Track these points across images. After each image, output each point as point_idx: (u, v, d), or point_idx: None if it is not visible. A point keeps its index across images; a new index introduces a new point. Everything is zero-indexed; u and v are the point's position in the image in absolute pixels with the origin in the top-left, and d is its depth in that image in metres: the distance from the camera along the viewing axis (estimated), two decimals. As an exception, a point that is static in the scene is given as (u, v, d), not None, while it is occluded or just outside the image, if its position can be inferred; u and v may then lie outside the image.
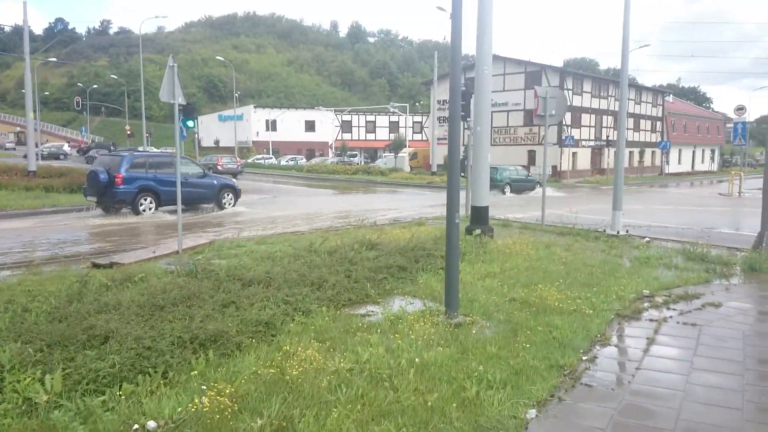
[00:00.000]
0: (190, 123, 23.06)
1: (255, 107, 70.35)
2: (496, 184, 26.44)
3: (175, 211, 19.05)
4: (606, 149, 47.37)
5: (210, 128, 75.47)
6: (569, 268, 8.77)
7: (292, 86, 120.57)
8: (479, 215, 12.05)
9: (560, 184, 41.36)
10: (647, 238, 12.28)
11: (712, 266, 9.31)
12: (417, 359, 4.75)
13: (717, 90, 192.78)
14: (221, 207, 18.81)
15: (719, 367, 4.90)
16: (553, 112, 13.61)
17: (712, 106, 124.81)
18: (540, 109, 13.39)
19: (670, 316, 6.35)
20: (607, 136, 49.03)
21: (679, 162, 63.56)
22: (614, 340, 5.56)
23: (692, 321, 6.15)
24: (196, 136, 78.56)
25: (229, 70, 69.90)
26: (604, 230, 13.12)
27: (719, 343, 5.52)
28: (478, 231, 11.39)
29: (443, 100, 53.93)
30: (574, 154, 47.78)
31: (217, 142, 70.87)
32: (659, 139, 55.95)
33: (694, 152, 68.25)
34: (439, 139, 53.22)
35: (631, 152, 54.72)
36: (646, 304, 6.86)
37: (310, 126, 71.04)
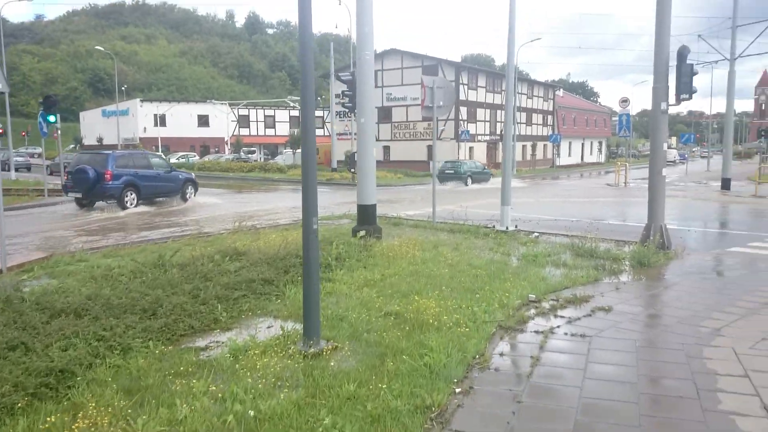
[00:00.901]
0: (52, 118, 20.78)
1: (141, 101, 65.93)
2: (459, 176, 33.27)
3: (151, 203, 19.69)
4: (500, 143, 48.42)
5: (94, 125, 70.06)
6: (454, 271, 8.06)
7: (184, 79, 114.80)
8: (366, 215, 11.17)
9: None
10: (536, 234, 11.93)
11: (602, 262, 8.97)
12: (251, 411, 3.72)
13: (604, 85, 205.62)
14: (185, 199, 20.46)
15: (612, 393, 4.23)
16: (441, 103, 12.99)
17: (599, 100, 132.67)
18: (427, 99, 12.71)
19: (558, 326, 5.71)
20: (501, 131, 50.06)
21: (570, 154, 66.55)
22: (494, 362, 4.78)
23: (581, 331, 5.53)
24: (79, 132, 72.64)
25: (115, 62, 65.00)
26: (494, 226, 12.68)
27: (611, 358, 4.90)
28: (362, 232, 10.50)
29: (342, 92, 53.00)
30: (470, 148, 48.47)
31: (100, 139, 65.80)
32: (550, 133, 58.15)
33: (583, 144, 71.75)
34: (339, 134, 52.26)
35: (524, 146, 56.47)
36: (532, 311, 6.22)
37: (203, 121, 67.64)
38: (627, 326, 5.74)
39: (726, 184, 26.49)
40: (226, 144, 67.61)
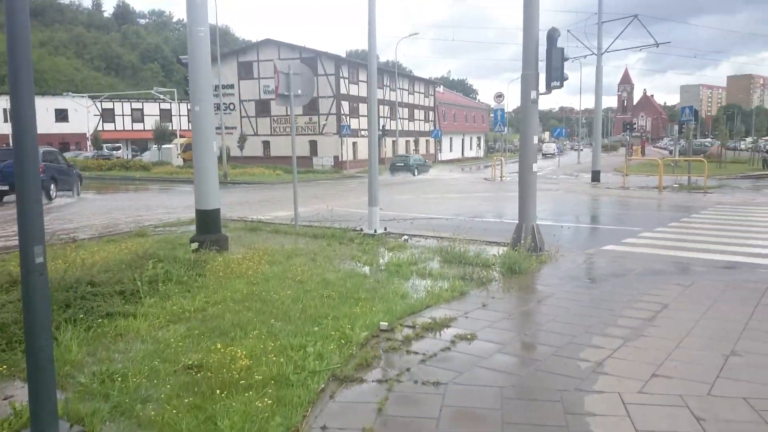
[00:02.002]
0: None
1: (-12, 94, 58.44)
2: (408, 168, 38.90)
3: (64, 195, 21.23)
4: (384, 139, 47.74)
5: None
6: (301, 292, 6.62)
7: (44, 71, 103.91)
8: (206, 222, 9.42)
9: (341, 174, 40.36)
10: (405, 237, 10.78)
11: (471, 270, 7.93)
12: None
13: (482, 83, 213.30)
14: (78, 194, 22.14)
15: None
16: (299, 91, 11.46)
17: (478, 97, 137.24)
18: (281, 87, 11.13)
19: (408, 369, 4.42)
20: (383, 126, 49.45)
21: (451, 149, 67.64)
22: (311, 446, 3.38)
23: (435, 376, 4.28)
24: None
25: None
26: (361, 229, 11.40)
27: (468, 420, 3.66)
28: (194, 245, 8.76)
29: (221, 85, 49.85)
30: (354, 143, 47.40)
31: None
32: (432, 128, 58.56)
33: (463, 140, 73.32)
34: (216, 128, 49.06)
35: (407, 141, 56.40)
36: (381, 347, 4.90)
37: (62, 116, 61.19)
38: (492, 364, 4.56)
39: (596, 177, 27.25)
40: (89, 140, 61.66)
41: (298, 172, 40.94)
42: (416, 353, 4.78)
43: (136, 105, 68.30)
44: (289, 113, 46.45)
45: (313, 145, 45.88)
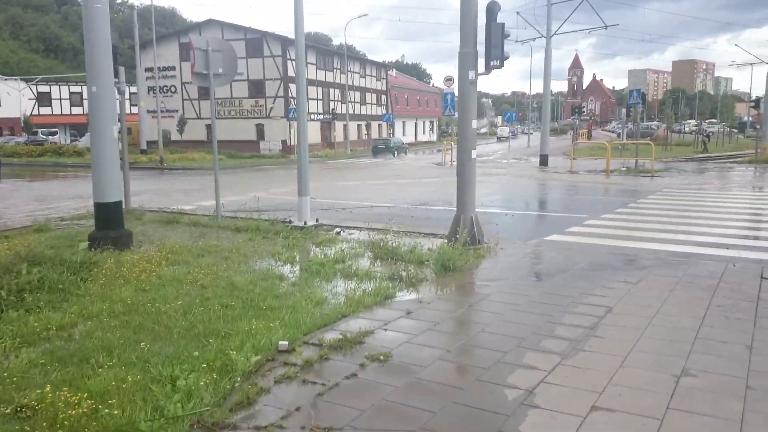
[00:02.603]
0: None
1: None
2: (389, 150, 42.76)
3: None
4: (334, 123, 46.53)
5: None
6: (198, 300, 5.69)
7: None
8: (106, 216, 8.32)
9: (289, 159, 39.06)
10: (338, 229, 9.91)
11: (403, 267, 7.15)
12: None
13: (436, 67, 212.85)
14: None
15: None
16: (221, 70, 10.37)
17: (432, 81, 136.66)
18: (198, 65, 10.01)
19: (297, 408, 3.57)
20: (333, 109, 48.31)
21: (404, 133, 66.76)
22: None
23: (330, 418, 3.44)
24: None
25: None
26: (291, 221, 10.48)
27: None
28: (84, 244, 7.68)
29: (161, 67, 47.61)
30: (303, 127, 45.96)
31: None
32: (384, 112, 57.57)
33: (416, 124, 72.64)
34: (150, 111, 47.01)
35: (358, 125, 55.34)
36: (272, 376, 4.04)
37: (-8, 99, 57.57)
38: (402, 397, 3.76)
39: (544, 161, 26.94)
40: (22, 125, 58.19)
41: (243, 156, 39.38)
42: (315, 383, 3.94)
43: (75, 89, 64.80)
44: (232, 95, 44.87)
45: (260, 129, 44.32)
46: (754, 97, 38.13)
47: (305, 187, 10.26)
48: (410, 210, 13.25)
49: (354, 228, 10.16)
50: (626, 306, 5.62)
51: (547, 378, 3.95)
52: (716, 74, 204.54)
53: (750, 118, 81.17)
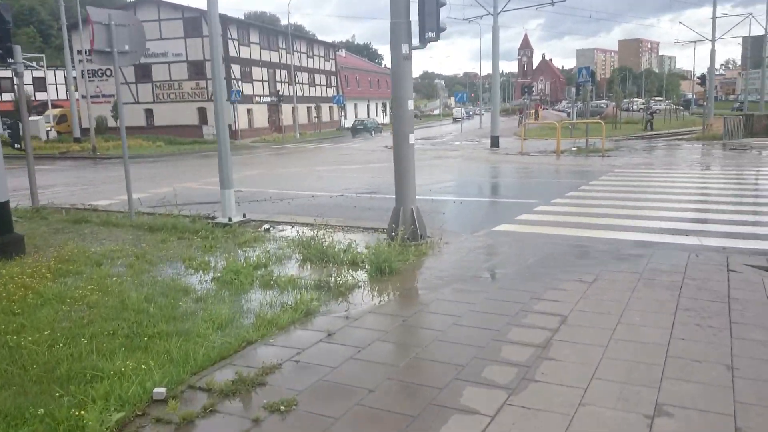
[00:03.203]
0: None
1: None
2: (367, 130, 47.74)
3: None
4: (280, 105, 44.94)
5: None
6: (74, 326, 4.64)
7: None
8: (-13, 220, 7.08)
9: (233, 144, 37.45)
10: (267, 226, 8.89)
11: (335, 271, 6.24)
12: None
13: (388, 48, 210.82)
14: None
15: None
16: (127, 47, 9.12)
17: (383, 62, 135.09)
18: (98, 41, 8.74)
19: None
20: (279, 91, 46.66)
21: (356, 116, 65.47)
22: None
23: None
24: None
25: None
26: (214, 217, 9.40)
27: None
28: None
29: (88, 50, 44.90)
30: (249, 110, 44.34)
31: None
32: (334, 94, 56.15)
33: (368, 106, 71.45)
34: (85, 96, 44.40)
35: (308, 108, 53.84)
36: (138, 442, 3.06)
37: None
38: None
39: (495, 142, 26.37)
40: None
41: (185, 142, 37.43)
42: (186, 453, 2.98)
43: (5, 73, 60.77)
44: (171, 77, 42.67)
45: (203, 113, 42.38)
46: (699, 74, 38.52)
47: (228, 178, 9.17)
48: (354, 199, 12.32)
49: (286, 223, 9.16)
50: (582, 314, 4.85)
51: (489, 430, 3.11)
52: (660, 53, 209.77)
53: (694, 96, 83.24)
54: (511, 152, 23.67)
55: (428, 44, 7.27)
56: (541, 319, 4.76)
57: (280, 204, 11.98)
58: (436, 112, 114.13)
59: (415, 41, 7.27)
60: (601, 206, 10.46)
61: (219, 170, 9.24)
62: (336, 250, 6.93)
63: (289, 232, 8.50)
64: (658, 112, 53.42)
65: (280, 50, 48.36)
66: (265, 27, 51.21)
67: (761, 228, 8.49)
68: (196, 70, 42.41)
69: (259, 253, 7.13)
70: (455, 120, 64.76)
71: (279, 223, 9.18)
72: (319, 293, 5.58)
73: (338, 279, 5.91)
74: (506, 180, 16.13)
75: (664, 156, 20.91)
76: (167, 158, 27.63)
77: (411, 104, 7.42)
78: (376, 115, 73.39)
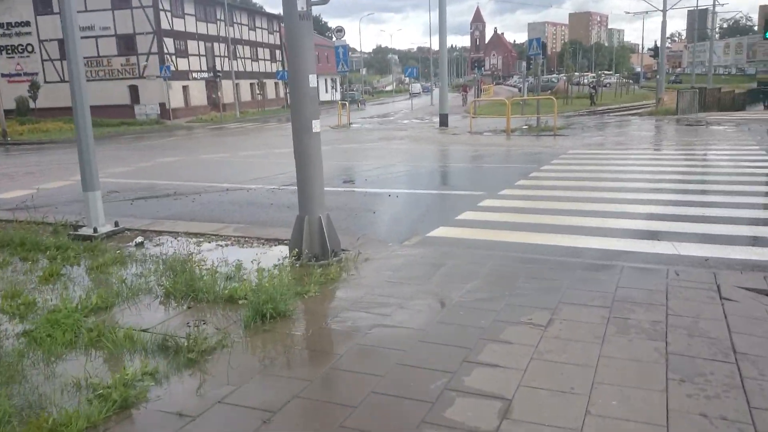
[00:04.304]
0: None
1: None
2: (355, 101, 50.01)
3: None
4: (219, 81, 42.22)
5: None
6: None
7: None
8: None
9: (163, 125, 34.75)
10: (140, 239, 7.02)
11: (204, 313, 4.53)
12: None
13: (339, 22, 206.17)
14: None
15: None
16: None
17: (334, 37, 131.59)
18: None
19: None
20: (215, 66, 43.81)
21: (303, 92, 62.79)
22: None
23: None
24: None
25: None
26: (79, 226, 7.49)
27: None
28: None
29: (13, 23, 41.03)
30: (185, 87, 41.49)
31: None
32: (279, 69, 53.48)
33: (317, 81, 68.72)
34: (5, 75, 40.82)
35: (251, 84, 51.14)
36: None
37: None
38: None
39: (444, 120, 24.81)
40: None
41: (112, 124, 34.59)
42: None
43: None
44: (99, 53, 39.36)
45: (134, 91, 39.39)
46: (651, 46, 37.71)
47: (93, 178, 7.22)
48: (274, 194, 10.54)
49: (169, 233, 7.32)
50: (534, 394, 3.28)
51: None
52: (609, 26, 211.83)
53: (643, 69, 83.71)
54: (459, 132, 22.16)
55: None
56: (473, 406, 3.17)
57: (181, 202, 10.11)
58: (388, 88, 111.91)
59: (314, -4, 5.49)
60: (554, 199, 9.00)
61: (80, 168, 7.26)
62: (213, 278, 5.19)
63: (168, 246, 6.68)
64: (607, 86, 52.97)
65: (219, 22, 45.37)
66: (202, -3, 47.94)
67: (745, 227, 7.14)
68: (127, 44, 39.28)
69: (111, 284, 5.33)
70: (411, 95, 63.55)
71: (161, 233, 7.33)
72: (162, 360, 3.86)
73: (196, 332, 4.18)
74: (451, 166, 14.58)
75: (618, 134, 19.75)
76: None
77: (312, 80, 5.67)
78: (326, 92, 70.86)
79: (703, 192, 9.33)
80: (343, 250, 6.17)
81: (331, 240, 5.90)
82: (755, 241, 6.55)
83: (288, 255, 5.94)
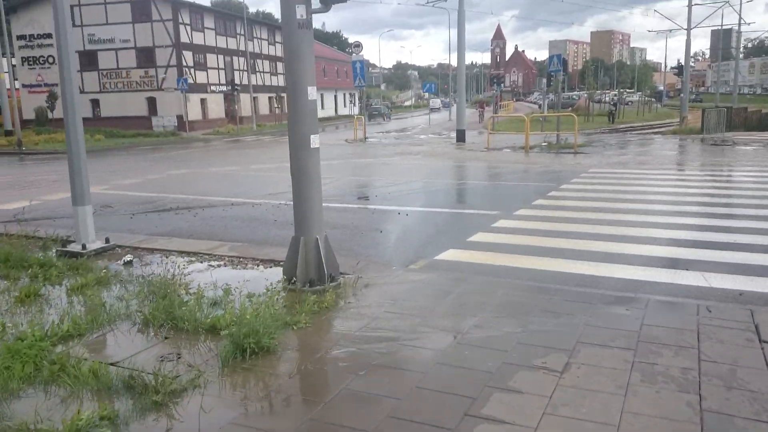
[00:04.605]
0: None
1: None
2: (381, 114, 53.77)
3: None
4: (237, 94, 42.26)
5: None
6: None
7: None
8: None
9: (179, 137, 34.74)
10: (129, 257, 6.62)
11: (182, 346, 4.11)
12: None
13: (359, 38, 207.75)
14: None
15: None
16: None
17: (353, 51, 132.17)
18: None
19: None
20: (233, 80, 43.85)
21: (323, 107, 62.98)
22: None
23: None
24: None
25: None
26: (68, 241, 7.13)
27: None
28: None
29: (35, 35, 41.61)
30: (203, 100, 41.62)
31: None
32: (298, 83, 53.53)
33: (336, 96, 68.97)
34: (29, 86, 41.32)
35: (270, 98, 51.24)
36: None
37: None
38: None
39: (461, 136, 24.38)
40: None
41: (128, 135, 34.64)
42: None
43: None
44: (118, 65, 39.69)
45: (152, 103, 39.55)
46: (675, 64, 37.03)
47: (84, 191, 6.86)
48: (279, 210, 10.15)
49: (161, 251, 6.93)
50: (546, 462, 2.78)
51: None
52: (632, 45, 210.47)
53: (665, 88, 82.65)
54: (476, 148, 21.69)
55: (335, 4, 5.11)
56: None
57: (182, 216, 9.76)
58: (407, 103, 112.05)
59: (315, 2, 5.10)
60: (572, 221, 8.47)
61: (70, 181, 6.92)
62: (198, 303, 4.77)
63: (160, 264, 6.28)
64: (629, 104, 52.19)
65: (239, 36, 45.58)
66: (222, 12, 48.27)
67: (780, 257, 6.55)
68: (146, 57, 39.54)
69: (91, 307, 4.93)
70: (432, 110, 63.80)
71: (153, 251, 6.94)
72: (129, 399, 3.43)
73: (166, 368, 3.75)
74: (467, 183, 14.10)
75: (642, 153, 19.12)
76: (102, 154, 24.99)
77: (312, 92, 5.25)
78: (344, 106, 70.97)
79: (732, 216, 8.73)
80: (342, 273, 5.72)
81: (328, 263, 5.45)
82: (794, 274, 5.97)
83: (279, 280, 5.51)
